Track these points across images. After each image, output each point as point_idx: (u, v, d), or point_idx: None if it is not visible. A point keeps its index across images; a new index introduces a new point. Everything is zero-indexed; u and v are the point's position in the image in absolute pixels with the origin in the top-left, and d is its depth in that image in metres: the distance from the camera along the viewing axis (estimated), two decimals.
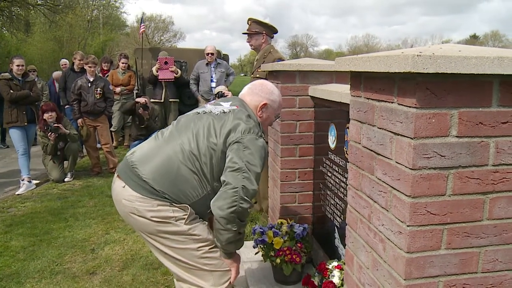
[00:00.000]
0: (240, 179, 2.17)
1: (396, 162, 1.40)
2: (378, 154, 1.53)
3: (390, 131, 1.43)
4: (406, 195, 1.35)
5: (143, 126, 7.33)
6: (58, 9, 24.69)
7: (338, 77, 3.18)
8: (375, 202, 1.57)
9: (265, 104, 2.50)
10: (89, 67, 7.13)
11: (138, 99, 7.57)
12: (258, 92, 2.54)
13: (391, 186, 1.45)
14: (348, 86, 1.80)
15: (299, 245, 3.06)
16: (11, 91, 6.37)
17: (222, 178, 2.22)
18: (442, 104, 1.29)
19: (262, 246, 3.10)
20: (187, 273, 2.36)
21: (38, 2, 23.79)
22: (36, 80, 8.83)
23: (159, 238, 2.31)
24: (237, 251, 2.48)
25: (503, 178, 1.40)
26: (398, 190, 1.40)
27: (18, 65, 6.51)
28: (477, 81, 1.31)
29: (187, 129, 2.36)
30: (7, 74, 6.52)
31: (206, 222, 2.40)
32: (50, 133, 6.50)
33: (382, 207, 1.52)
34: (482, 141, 1.35)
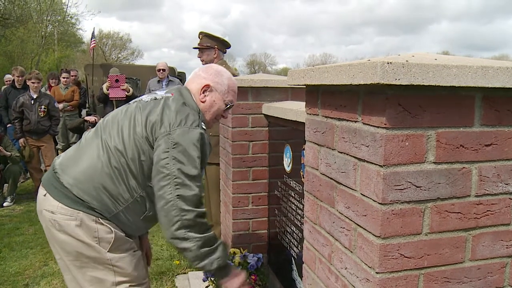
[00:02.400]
0: (173, 188, 1.84)
1: (362, 194, 1.15)
2: (339, 183, 1.27)
3: (353, 156, 1.19)
4: (375, 235, 1.10)
5: None
6: (7, 22, 23.74)
7: (294, 93, 2.96)
8: (337, 240, 1.32)
9: (207, 85, 2.13)
10: (32, 83, 6.66)
11: (87, 118, 7.16)
12: (201, 74, 2.19)
13: (355, 223, 1.19)
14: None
15: (253, 277, 2.80)
16: None
17: (154, 187, 1.90)
18: (417, 123, 1.06)
19: (212, 280, 2.81)
20: None
21: None
22: None
23: (76, 262, 1.96)
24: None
25: (487, 211, 1.18)
26: (364, 229, 1.15)
27: None
28: (457, 95, 1.08)
29: (113, 123, 2.03)
30: None
31: (139, 253, 2.06)
32: None
33: (345, 247, 1.26)
34: (464, 168, 1.12)
